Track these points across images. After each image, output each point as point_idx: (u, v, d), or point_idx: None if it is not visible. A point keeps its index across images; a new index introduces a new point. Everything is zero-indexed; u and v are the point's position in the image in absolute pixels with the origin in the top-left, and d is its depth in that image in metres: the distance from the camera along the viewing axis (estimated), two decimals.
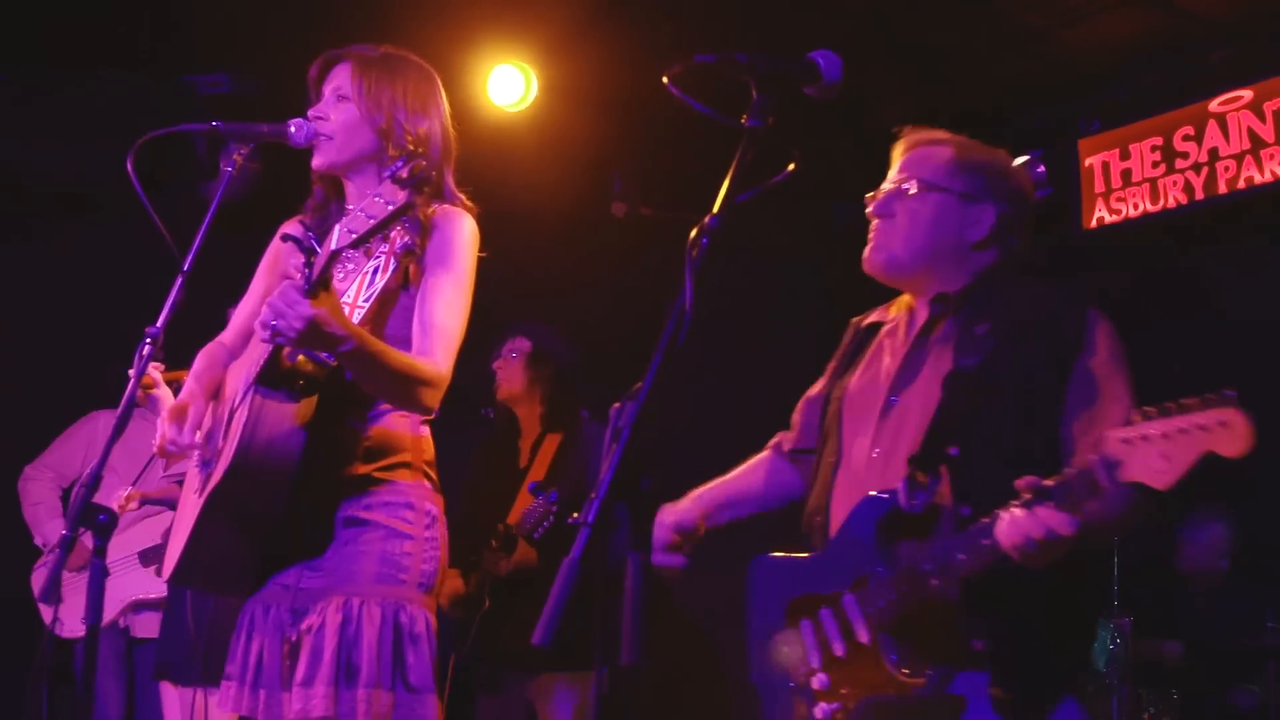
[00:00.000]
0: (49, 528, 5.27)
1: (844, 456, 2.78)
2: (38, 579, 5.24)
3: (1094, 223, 5.85)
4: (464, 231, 3.00)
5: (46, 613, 5.21)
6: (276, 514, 2.79)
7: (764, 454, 3.13)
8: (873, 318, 2.96)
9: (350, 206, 3.04)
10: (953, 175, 2.76)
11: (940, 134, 2.88)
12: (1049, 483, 2.30)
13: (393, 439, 2.95)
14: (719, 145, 5.68)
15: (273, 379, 2.78)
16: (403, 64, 3.09)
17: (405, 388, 2.83)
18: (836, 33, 5.33)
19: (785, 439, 3.12)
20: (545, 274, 6.32)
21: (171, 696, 4.59)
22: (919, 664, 2.54)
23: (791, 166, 1.89)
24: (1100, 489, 2.24)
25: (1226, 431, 2.10)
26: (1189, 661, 5.40)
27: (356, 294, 2.98)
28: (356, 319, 2.88)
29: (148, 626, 5.27)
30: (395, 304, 2.96)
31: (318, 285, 2.57)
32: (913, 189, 2.76)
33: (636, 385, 1.66)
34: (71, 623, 5.21)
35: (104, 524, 2.69)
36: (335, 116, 3.00)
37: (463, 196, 3.10)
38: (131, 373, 2.81)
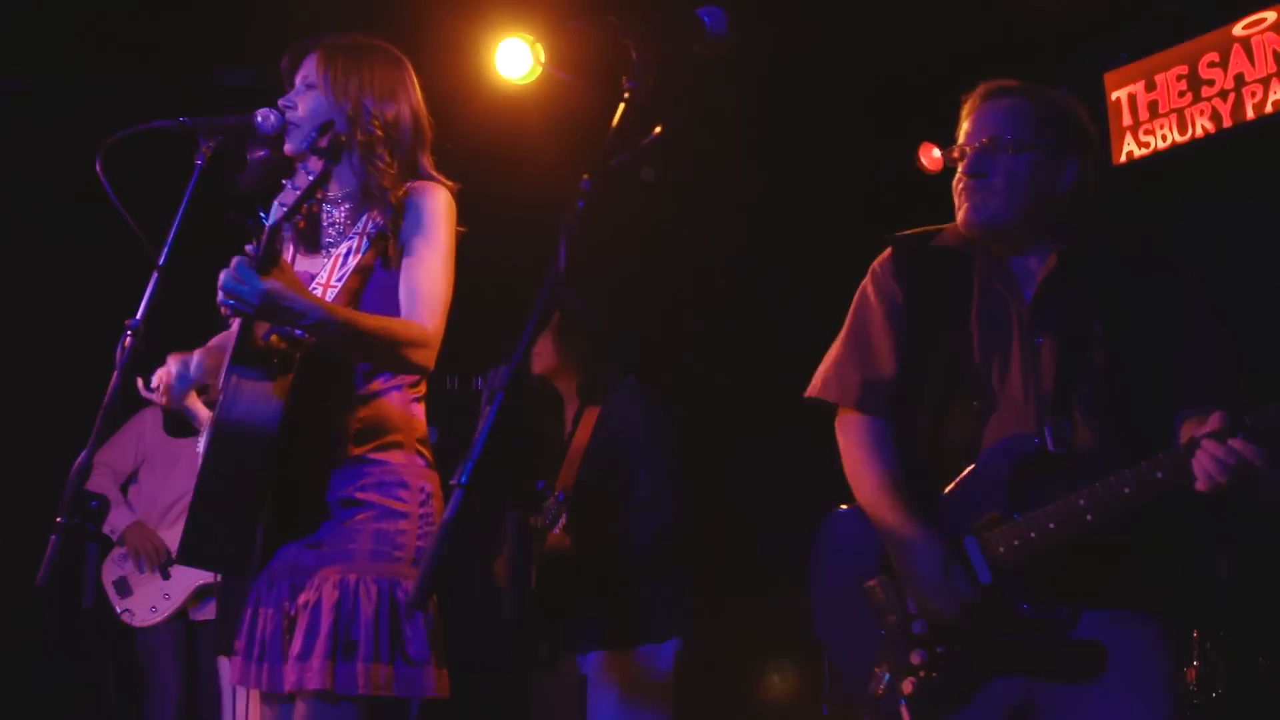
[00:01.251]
0: (115, 516, 5.45)
1: (989, 398, 2.77)
2: (108, 570, 5.42)
3: (1124, 157, 5.74)
4: (438, 202, 3.05)
5: (116, 602, 5.40)
6: (256, 492, 2.86)
7: (879, 422, 2.95)
8: (942, 240, 2.92)
9: (332, 191, 3.12)
10: (1039, 130, 2.81)
11: (1011, 83, 2.90)
12: (1245, 417, 2.40)
13: (384, 419, 3.02)
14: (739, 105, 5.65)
15: (247, 358, 2.86)
16: (370, 51, 3.15)
17: (387, 349, 2.90)
18: None
19: (868, 376, 2.95)
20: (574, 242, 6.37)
21: (227, 670, 4.73)
22: (1050, 602, 2.63)
23: (658, 130, 1.90)
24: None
25: None
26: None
27: (329, 275, 3.06)
28: (329, 298, 2.98)
29: (206, 610, 5.46)
30: (371, 282, 3.02)
31: (266, 260, 2.64)
32: (1007, 148, 2.78)
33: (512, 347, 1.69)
34: (141, 612, 5.42)
35: (95, 510, 2.81)
36: (303, 105, 3.06)
37: (439, 176, 3.15)
38: (116, 364, 2.90)
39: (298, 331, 2.85)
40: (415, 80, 3.19)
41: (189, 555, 2.99)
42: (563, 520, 4.40)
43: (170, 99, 5.73)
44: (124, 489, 5.59)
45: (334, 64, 3.08)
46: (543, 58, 5.36)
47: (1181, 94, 5.53)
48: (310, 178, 2.66)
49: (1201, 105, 5.45)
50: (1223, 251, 5.61)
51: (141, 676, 5.63)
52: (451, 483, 1.61)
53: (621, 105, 1.92)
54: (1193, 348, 2.69)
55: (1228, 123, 5.37)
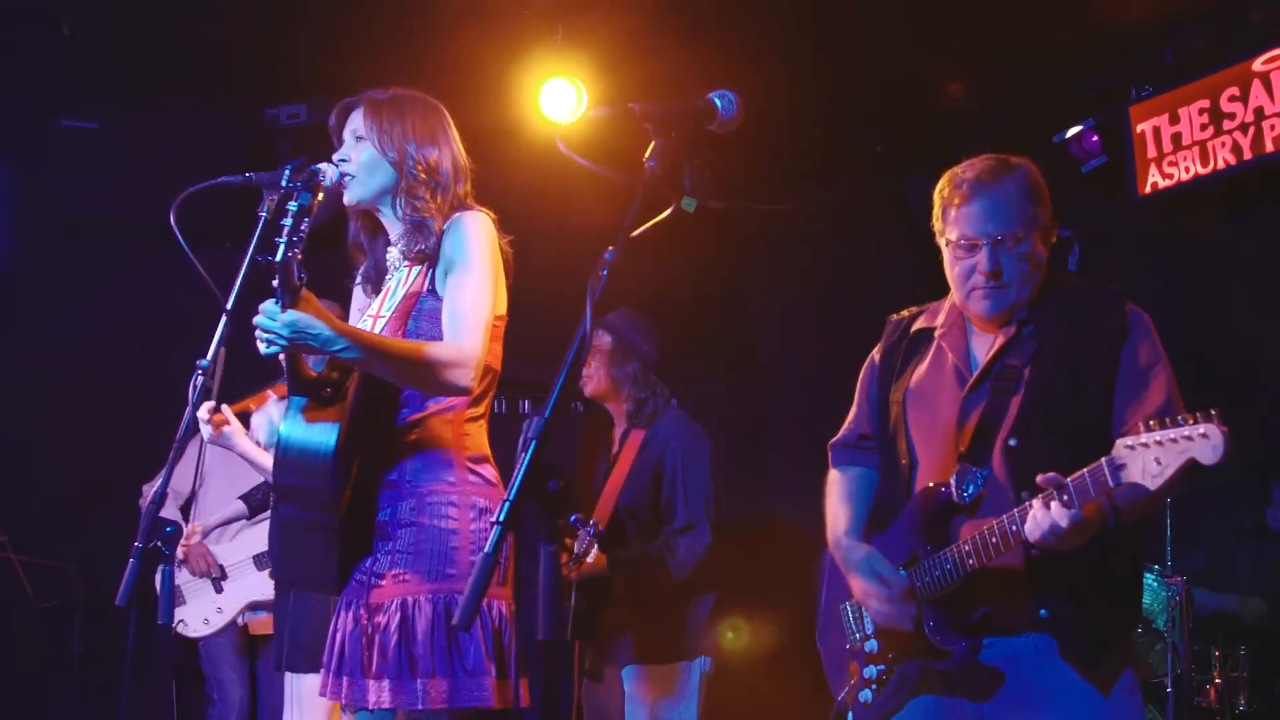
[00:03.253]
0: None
1: (918, 456, 3.03)
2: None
3: (1148, 188, 5.91)
4: (475, 227, 3.26)
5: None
6: (327, 514, 3.08)
7: (850, 470, 3.28)
8: (921, 323, 3.16)
9: (389, 234, 3.39)
10: (1036, 214, 2.93)
11: (996, 167, 2.96)
12: (1066, 480, 2.58)
13: (434, 440, 3.21)
14: (781, 140, 5.83)
15: (300, 389, 3.09)
16: (409, 101, 3.38)
17: (421, 371, 3.07)
18: (895, 10, 5.54)
19: (851, 430, 3.30)
20: (622, 272, 6.58)
21: (289, 684, 4.97)
22: (951, 633, 2.87)
23: (671, 209, 2.13)
24: (1108, 488, 2.53)
25: (1206, 442, 2.40)
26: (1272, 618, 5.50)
27: (380, 306, 3.32)
28: (380, 326, 3.22)
29: (264, 625, 5.71)
30: (418, 309, 3.23)
31: (285, 294, 2.87)
32: (1018, 244, 2.90)
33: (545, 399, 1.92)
34: (194, 623, 5.69)
35: (170, 535, 3.05)
36: (355, 156, 3.30)
37: (479, 207, 3.36)
38: (188, 401, 3.14)
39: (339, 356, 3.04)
40: (452, 124, 3.43)
41: (280, 578, 3.22)
42: (594, 552, 4.65)
43: (231, 136, 6.05)
44: (184, 509, 5.90)
45: (379, 116, 3.32)
46: (586, 99, 5.59)
47: (1204, 127, 5.69)
48: (291, 218, 2.86)
49: (1223, 138, 5.61)
50: (1246, 278, 5.80)
51: (207, 686, 5.93)
52: (490, 521, 1.83)
53: (641, 183, 2.13)
54: (1125, 389, 2.82)
55: (1248, 155, 5.52)
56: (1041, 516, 2.61)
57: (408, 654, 3.05)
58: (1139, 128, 5.96)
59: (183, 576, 5.68)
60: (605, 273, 2.05)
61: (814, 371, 6.17)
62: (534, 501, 1.92)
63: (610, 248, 2.06)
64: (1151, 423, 2.47)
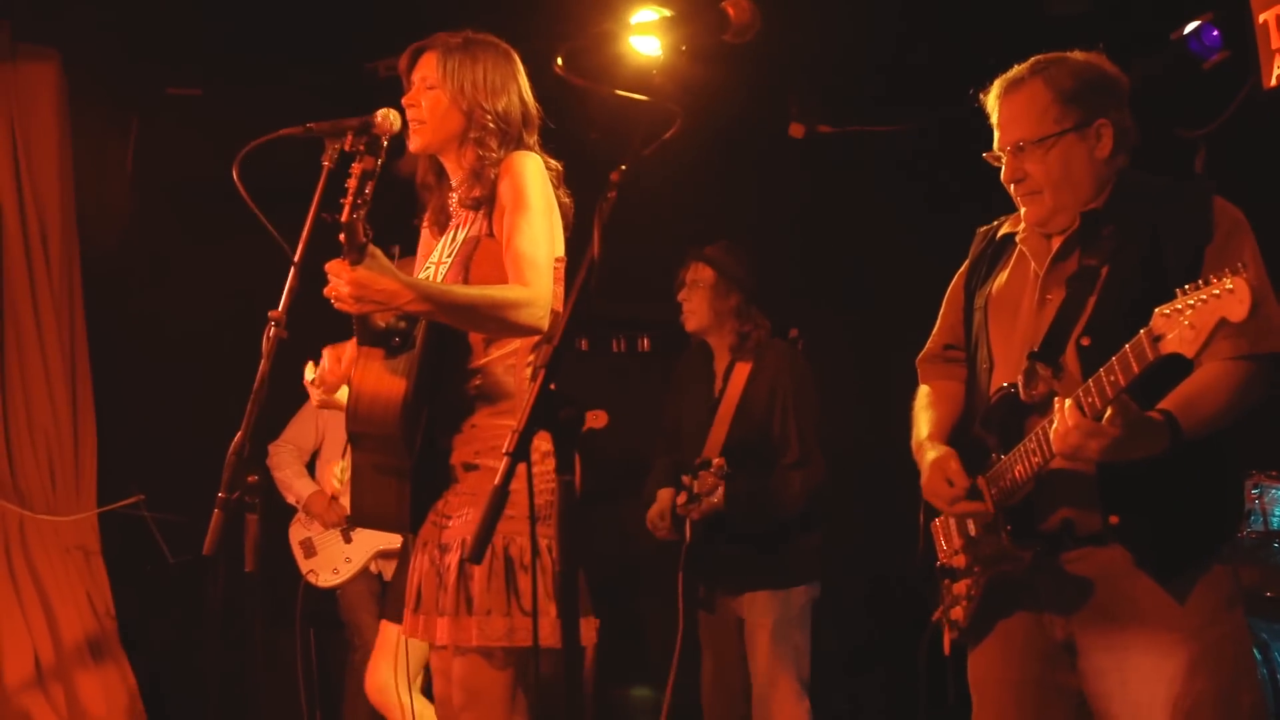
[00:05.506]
0: (299, 486, 5.90)
1: (996, 360, 2.97)
2: (295, 533, 5.87)
3: (1275, 80, 5.60)
4: (527, 169, 3.27)
5: (301, 563, 5.84)
6: (397, 459, 3.15)
7: (937, 382, 3.27)
8: (1005, 228, 3.10)
9: (451, 179, 3.40)
10: (1063, 112, 2.85)
11: (1023, 71, 2.93)
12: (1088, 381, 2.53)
13: (499, 386, 3.27)
14: (888, 60, 5.71)
15: (369, 339, 3.16)
16: (482, 47, 3.39)
17: (490, 315, 3.11)
18: None
19: (936, 341, 3.30)
20: (726, 199, 6.51)
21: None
22: (1027, 538, 2.80)
23: (678, 123, 2.06)
24: (1149, 361, 2.41)
25: (1232, 296, 2.29)
26: None
27: (442, 252, 3.35)
28: (443, 272, 3.27)
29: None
30: (478, 252, 3.26)
31: (351, 252, 2.91)
32: (1035, 149, 2.85)
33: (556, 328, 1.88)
34: (324, 574, 5.84)
35: (253, 485, 3.11)
36: (425, 103, 3.33)
37: (544, 155, 3.38)
38: (264, 353, 3.19)
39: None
40: (522, 70, 3.44)
41: (357, 517, 3.32)
42: (720, 491, 4.64)
43: (333, 93, 6.11)
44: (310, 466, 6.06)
45: (450, 62, 3.34)
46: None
47: None
48: (352, 180, 2.91)
49: None
50: None
51: (347, 633, 6.08)
52: (503, 452, 1.81)
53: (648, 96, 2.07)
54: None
55: None
56: (1060, 421, 2.53)
57: (466, 592, 3.09)
58: (1261, 17, 5.63)
59: (313, 528, 5.82)
60: (613, 195, 1.99)
61: (928, 301, 6.04)
62: (546, 430, 1.89)
63: (622, 167, 2.00)
64: (1186, 287, 2.35)
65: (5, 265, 5.77)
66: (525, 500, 3.15)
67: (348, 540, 5.83)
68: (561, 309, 3.29)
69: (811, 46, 5.82)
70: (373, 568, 5.96)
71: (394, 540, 5.66)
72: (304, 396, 5.96)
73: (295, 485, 5.92)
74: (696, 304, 5.04)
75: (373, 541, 5.80)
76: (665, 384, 5.42)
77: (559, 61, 2.01)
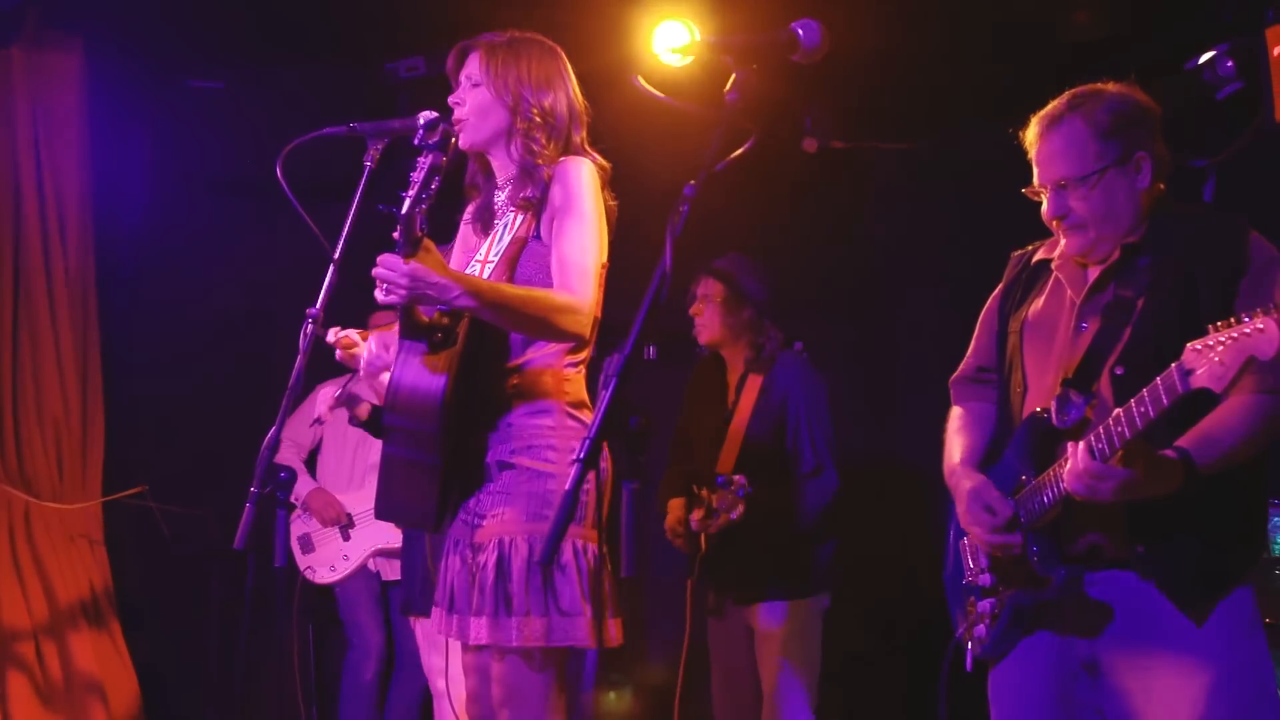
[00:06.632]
0: (298, 484, 5.90)
1: (1030, 384, 3.01)
2: (294, 528, 5.88)
3: None
4: (581, 175, 3.28)
5: (300, 559, 5.86)
6: (435, 454, 3.15)
7: (969, 404, 3.32)
8: (1041, 254, 3.14)
9: (497, 178, 3.43)
10: (1102, 151, 2.89)
11: (1060, 107, 2.97)
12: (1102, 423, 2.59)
13: (536, 385, 3.26)
14: (905, 77, 5.73)
15: (412, 333, 3.16)
16: (526, 45, 3.41)
17: (535, 317, 3.13)
18: None
19: (969, 363, 3.34)
20: (740, 214, 6.53)
21: (420, 628, 5.10)
22: (1054, 561, 2.84)
23: (751, 141, 2.10)
24: (1179, 394, 2.46)
25: (1261, 335, 2.33)
26: None
27: (488, 251, 3.37)
28: (489, 271, 3.27)
29: (395, 570, 5.84)
30: (525, 253, 3.28)
31: (407, 245, 2.93)
32: (1078, 186, 2.89)
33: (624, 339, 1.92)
34: (322, 570, 5.86)
35: (285, 480, 3.15)
36: (470, 100, 3.36)
37: (591, 152, 3.40)
38: (300, 350, 3.21)
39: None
40: (569, 68, 3.46)
41: (385, 513, 3.32)
42: (740, 509, 4.66)
43: (352, 91, 6.14)
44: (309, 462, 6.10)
45: (495, 61, 3.36)
46: (698, 39, 5.51)
47: None
48: (422, 171, 2.92)
49: None
50: None
51: (345, 630, 6.10)
52: (571, 460, 1.84)
53: (722, 115, 2.10)
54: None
55: None
56: (1073, 464, 2.61)
57: (504, 592, 3.12)
58: (1276, 50, 5.70)
59: (312, 525, 5.84)
60: (685, 209, 2.03)
61: (938, 316, 6.08)
62: (615, 439, 1.93)
63: (691, 183, 2.04)
64: (1219, 324, 2.40)
65: (23, 251, 5.78)
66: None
67: (346, 538, 5.85)
68: (599, 315, 3.31)
69: (826, 63, 5.85)
70: (371, 566, 6.00)
71: (391, 539, 5.71)
72: (303, 396, 6.10)
73: (295, 483, 5.93)
74: (709, 318, 5.07)
75: (371, 539, 5.84)
76: (670, 394, 5.44)
77: (639, 78, 2.03)
